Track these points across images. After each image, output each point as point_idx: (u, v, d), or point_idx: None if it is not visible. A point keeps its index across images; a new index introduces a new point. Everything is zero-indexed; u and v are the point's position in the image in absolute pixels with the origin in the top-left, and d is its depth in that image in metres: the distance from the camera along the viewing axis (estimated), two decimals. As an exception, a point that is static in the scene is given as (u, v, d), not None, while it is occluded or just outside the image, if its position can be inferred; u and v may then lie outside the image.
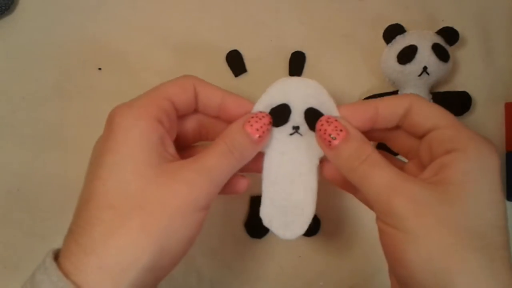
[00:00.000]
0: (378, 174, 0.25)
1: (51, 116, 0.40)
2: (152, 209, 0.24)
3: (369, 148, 0.26)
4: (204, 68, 0.40)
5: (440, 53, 0.36)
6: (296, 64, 0.39)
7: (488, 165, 0.24)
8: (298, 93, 0.29)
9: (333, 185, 0.30)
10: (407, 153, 0.29)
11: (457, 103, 0.38)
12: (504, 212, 0.24)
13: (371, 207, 0.29)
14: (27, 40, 0.41)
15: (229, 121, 0.29)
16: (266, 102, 0.29)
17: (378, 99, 0.28)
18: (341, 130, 0.26)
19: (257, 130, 0.27)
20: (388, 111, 0.27)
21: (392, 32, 0.37)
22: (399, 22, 0.37)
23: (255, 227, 0.38)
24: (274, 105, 0.29)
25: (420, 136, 0.27)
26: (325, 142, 0.27)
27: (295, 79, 0.29)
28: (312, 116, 0.28)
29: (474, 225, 0.23)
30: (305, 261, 0.37)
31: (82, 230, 0.24)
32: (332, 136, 0.26)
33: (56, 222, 0.38)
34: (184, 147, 0.31)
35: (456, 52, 0.39)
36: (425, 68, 0.35)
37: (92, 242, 0.23)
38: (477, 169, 0.24)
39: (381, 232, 0.25)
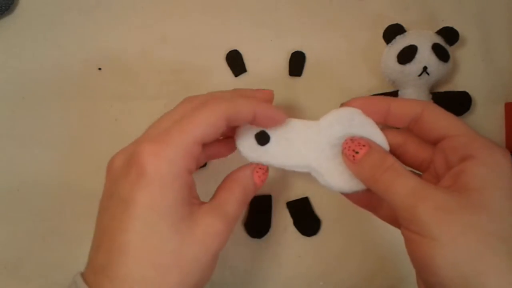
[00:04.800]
0: (401, 182, 0.25)
1: (51, 116, 0.40)
2: (189, 266, 0.26)
3: (391, 159, 0.27)
4: (204, 68, 0.40)
5: (440, 53, 0.36)
6: (296, 64, 0.39)
7: (503, 171, 0.25)
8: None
9: (357, 205, 0.32)
10: (419, 165, 0.30)
11: (457, 103, 0.38)
12: None
13: (393, 223, 0.30)
14: (27, 40, 0.41)
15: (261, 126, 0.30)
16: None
17: (392, 97, 0.29)
18: (363, 145, 0.28)
19: (262, 181, 0.30)
20: (400, 110, 0.28)
21: (392, 32, 0.37)
22: (399, 22, 0.37)
23: (255, 227, 0.38)
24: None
25: (432, 143, 0.28)
26: (350, 157, 0.28)
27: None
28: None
29: (498, 230, 0.23)
30: (305, 261, 0.37)
31: (121, 281, 0.25)
32: (355, 151, 0.28)
33: (56, 222, 0.38)
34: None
35: (456, 52, 0.39)
36: (425, 68, 0.35)
37: None
38: (493, 175, 0.24)
39: (407, 239, 0.25)
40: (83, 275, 0.26)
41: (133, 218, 0.25)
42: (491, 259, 0.23)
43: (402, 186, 0.25)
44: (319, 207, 0.38)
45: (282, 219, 0.38)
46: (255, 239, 0.38)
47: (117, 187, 0.26)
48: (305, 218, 0.38)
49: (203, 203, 0.28)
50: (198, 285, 0.27)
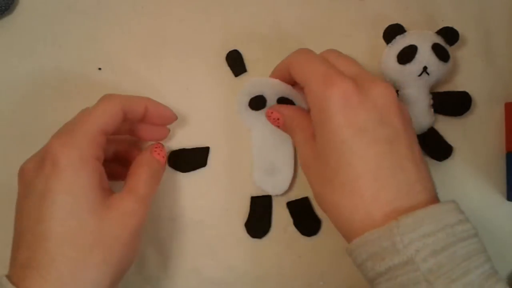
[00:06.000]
0: (299, 131, 0.33)
1: (51, 116, 0.40)
2: (110, 244, 0.28)
3: (295, 119, 0.34)
4: (204, 68, 0.40)
5: (440, 53, 0.36)
6: (296, 64, 0.39)
7: (322, 113, 0.29)
8: (269, 88, 0.36)
9: None
10: None
11: (457, 103, 0.38)
12: (343, 147, 0.28)
13: None
14: (27, 40, 0.41)
15: (151, 123, 0.36)
16: (246, 92, 0.37)
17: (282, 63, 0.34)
18: (278, 119, 0.35)
19: (163, 157, 0.35)
20: (281, 71, 0.34)
21: (392, 32, 0.37)
22: (399, 22, 0.37)
23: (255, 227, 0.38)
24: (252, 96, 0.37)
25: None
26: (276, 125, 0.36)
27: (264, 78, 0.36)
28: (284, 102, 0.36)
29: (320, 169, 0.30)
30: (305, 261, 0.37)
31: (47, 266, 0.26)
32: (277, 125, 0.35)
33: (56, 222, 0.38)
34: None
35: (456, 52, 0.39)
36: (425, 68, 0.35)
37: (61, 278, 0.26)
38: (314, 122, 0.30)
39: None
40: (8, 276, 0.27)
41: (50, 206, 0.27)
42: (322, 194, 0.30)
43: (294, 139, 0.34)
44: (319, 207, 0.38)
45: (282, 219, 0.38)
46: (255, 239, 0.38)
47: (32, 186, 0.29)
48: (305, 218, 0.38)
49: (115, 192, 0.31)
50: (122, 264, 0.29)
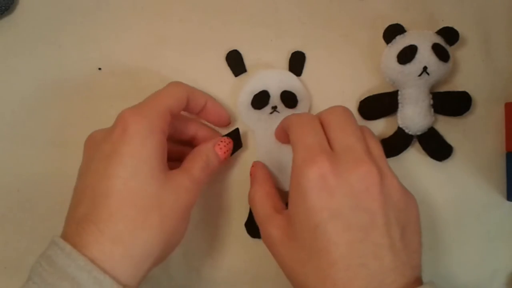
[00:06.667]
0: (259, 207, 0.33)
1: (51, 116, 0.40)
2: (167, 210, 0.29)
3: (262, 189, 0.34)
4: (204, 68, 0.40)
5: (440, 53, 0.36)
6: (296, 64, 0.39)
7: (299, 189, 0.29)
8: (274, 80, 0.38)
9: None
10: None
11: (457, 103, 0.38)
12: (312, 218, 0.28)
13: None
14: (27, 40, 0.41)
15: (206, 120, 0.38)
16: (249, 90, 0.38)
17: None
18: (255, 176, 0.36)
19: (224, 153, 0.35)
20: (283, 128, 0.34)
21: (392, 32, 0.37)
22: (399, 22, 0.37)
23: (255, 227, 0.38)
24: (256, 92, 0.37)
25: None
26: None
27: (270, 70, 0.38)
28: (287, 96, 0.37)
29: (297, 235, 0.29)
30: (305, 261, 0.37)
31: (105, 221, 0.27)
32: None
33: (56, 222, 0.38)
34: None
35: (456, 52, 0.39)
36: (425, 68, 0.35)
37: (119, 234, 0.27)
38: (291, 194, 0.30)
39: None
40: (61, 235, 0.29)
41: (115, 165, 0.28)
42: (299, 259, 0.29)
43: (260, 210, 0.33)
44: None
45: (282, 219, 0.38)
46: (255, 239, 0.38)
47: (99, 150, 0.30)
48: (305, 218, 0.38)
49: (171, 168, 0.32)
50: (172, 239, 0.30)
